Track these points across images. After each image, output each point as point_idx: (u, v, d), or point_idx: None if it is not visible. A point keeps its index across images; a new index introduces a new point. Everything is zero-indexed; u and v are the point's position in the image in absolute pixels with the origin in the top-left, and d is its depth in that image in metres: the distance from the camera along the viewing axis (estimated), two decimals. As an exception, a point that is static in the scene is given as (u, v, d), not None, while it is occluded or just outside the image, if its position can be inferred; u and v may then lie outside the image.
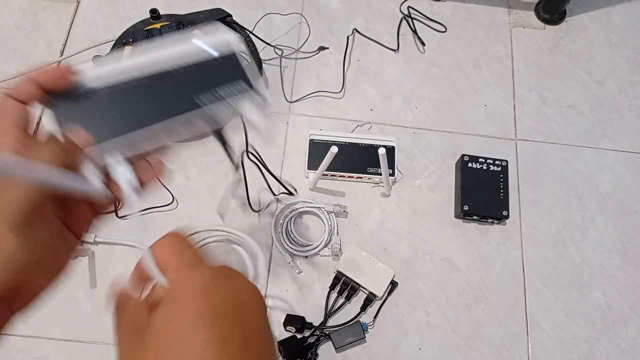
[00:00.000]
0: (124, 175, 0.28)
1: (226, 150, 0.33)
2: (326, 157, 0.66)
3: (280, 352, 0.65)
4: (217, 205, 0.74)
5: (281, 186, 0.71)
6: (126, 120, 0.29)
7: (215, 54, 0.32)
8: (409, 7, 0.92)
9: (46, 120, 0.27)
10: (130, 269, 0.27)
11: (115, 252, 0.71)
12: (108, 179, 0.28)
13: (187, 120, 0.30)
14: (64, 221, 0.27)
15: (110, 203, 0.29)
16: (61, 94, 0.28)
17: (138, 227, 0.58)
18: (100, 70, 0.30)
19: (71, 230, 0.28)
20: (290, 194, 0.73)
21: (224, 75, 0.32)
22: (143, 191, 0.29)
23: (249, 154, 0.65)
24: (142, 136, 0.29)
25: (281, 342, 0.66)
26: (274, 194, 0.72)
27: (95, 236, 0.70)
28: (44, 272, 0.26)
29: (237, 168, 0.28)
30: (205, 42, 0.32)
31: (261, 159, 0.71)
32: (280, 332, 0.68)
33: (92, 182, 0.27)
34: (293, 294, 0.71)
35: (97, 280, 0.69)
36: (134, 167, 0.29)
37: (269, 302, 0.70)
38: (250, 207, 0.72)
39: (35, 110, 0.27)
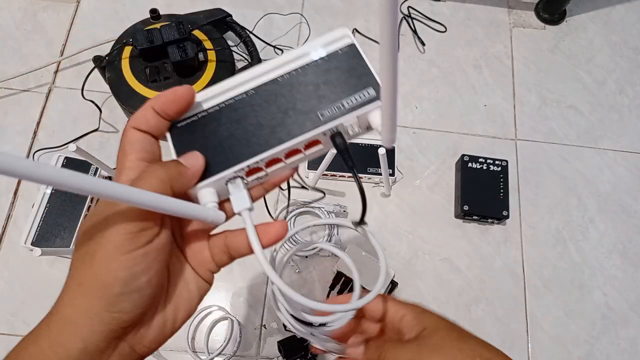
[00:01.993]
0: (241, 202, 0.27)
1: (353, 172, 0.28)
2: (326, 157, 0.66)
3: (280, 352, 0.65)
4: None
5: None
6: (245, 141, 0.27)
7: (324, 53, 0.28)
8: (409, 7, 0.92)
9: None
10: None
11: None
12: (222, 203, 0.28)
13: (310, 139, 0.27)
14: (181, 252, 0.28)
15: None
16: (178, 116, 0.27)
17: None
18: (213, 88, 0.28)
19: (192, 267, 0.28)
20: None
21: (347, 78, 0.27)
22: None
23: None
24: (263, 161, 0.27)
25: (281, 342, 0.65)
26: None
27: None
28: (163, 306, 0.26)
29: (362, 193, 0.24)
30: (317, 43, 0.28)
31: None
32: (280, 332, 0.68)
33: (205, 207, 0.26)
34: (293, 294, 0.71)
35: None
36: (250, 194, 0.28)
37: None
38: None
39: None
